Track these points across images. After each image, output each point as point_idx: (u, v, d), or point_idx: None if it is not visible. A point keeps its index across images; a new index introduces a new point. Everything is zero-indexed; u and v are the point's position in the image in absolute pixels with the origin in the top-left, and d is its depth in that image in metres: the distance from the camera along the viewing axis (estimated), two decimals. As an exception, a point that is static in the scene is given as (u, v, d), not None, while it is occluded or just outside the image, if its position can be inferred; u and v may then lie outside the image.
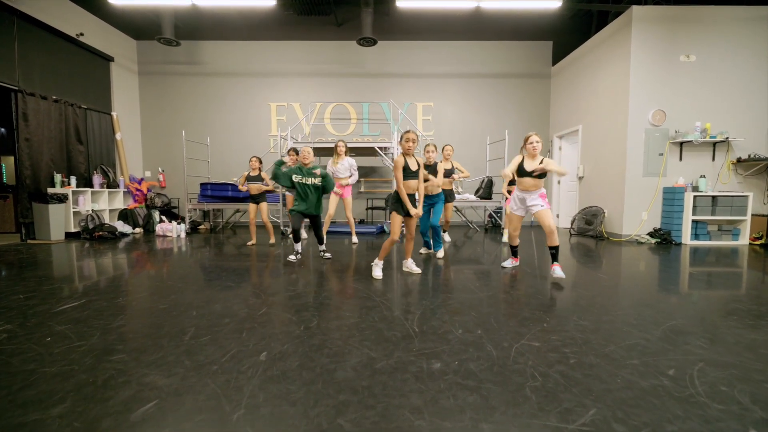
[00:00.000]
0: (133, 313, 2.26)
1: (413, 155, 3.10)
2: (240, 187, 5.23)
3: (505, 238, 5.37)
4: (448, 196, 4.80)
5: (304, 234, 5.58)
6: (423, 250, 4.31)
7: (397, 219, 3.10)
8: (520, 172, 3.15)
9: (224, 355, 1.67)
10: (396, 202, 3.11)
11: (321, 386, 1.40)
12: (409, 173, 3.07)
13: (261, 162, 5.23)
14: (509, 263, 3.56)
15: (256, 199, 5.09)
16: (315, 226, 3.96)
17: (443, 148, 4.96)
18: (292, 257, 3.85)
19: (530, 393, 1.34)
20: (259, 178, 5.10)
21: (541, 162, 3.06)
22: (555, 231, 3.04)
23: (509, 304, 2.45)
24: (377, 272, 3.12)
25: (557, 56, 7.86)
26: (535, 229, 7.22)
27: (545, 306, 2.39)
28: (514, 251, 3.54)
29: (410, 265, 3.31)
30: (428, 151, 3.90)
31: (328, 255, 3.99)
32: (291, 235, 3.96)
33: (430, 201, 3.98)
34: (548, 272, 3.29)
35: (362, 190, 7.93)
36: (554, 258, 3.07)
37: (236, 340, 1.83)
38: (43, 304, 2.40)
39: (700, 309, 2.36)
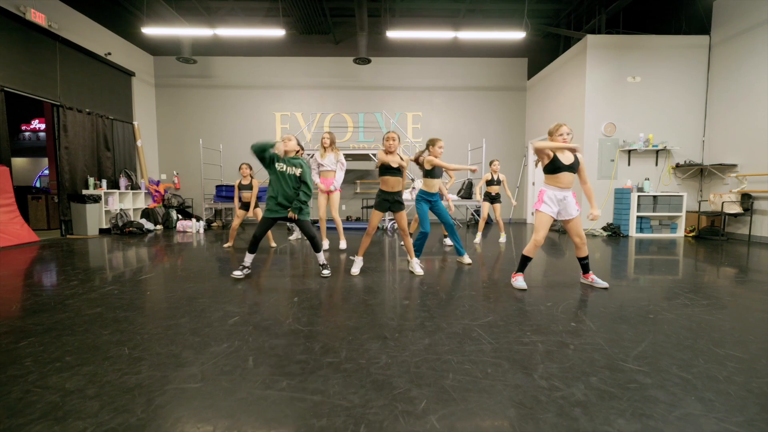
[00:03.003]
0: (195, 279, 3.15)
1: (396, 153, 3.18)
2: (236, 202, 5.20)
3: (477, 240, 5.48)
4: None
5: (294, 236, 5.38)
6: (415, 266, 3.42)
7: (375, 215, 3.25)
8: (555, 167, 2.74)
9: (271, 298, 2.58)
10: (378, 199, 3.28)
11: (335, 311, 2.32)
12: (386, 170, 3.20)
13: (251, 168, 5.09)
14: (520, 282, 2.85)
15: (248, 206, 5.02)
16: (307, 234, 3.20)
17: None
18: (237, 273, 3.16)
19: (459, 312, 2.28)
20: (250, 187, 5.00)
21: (574, 155, 2.78)
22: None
23: (467, 275, 3.38)
24: (355, 269, 3.33)
25: (532, 71, 8.84)
26: (513, 225, 8.18)
27: (494, 276, 3.33)
28: (524, 265, 2.90)
29: (414, 266, 3.36)
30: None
31: (326, 273, 3.22)
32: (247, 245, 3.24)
33: (431, 198, 3.70)
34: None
35: (358, 191, 8.85)
36: (587, 268, 2.94)
37: (276, 292, 2.74)
38: (126, 275, 3.29)
39: (610, 275, 3.31)
